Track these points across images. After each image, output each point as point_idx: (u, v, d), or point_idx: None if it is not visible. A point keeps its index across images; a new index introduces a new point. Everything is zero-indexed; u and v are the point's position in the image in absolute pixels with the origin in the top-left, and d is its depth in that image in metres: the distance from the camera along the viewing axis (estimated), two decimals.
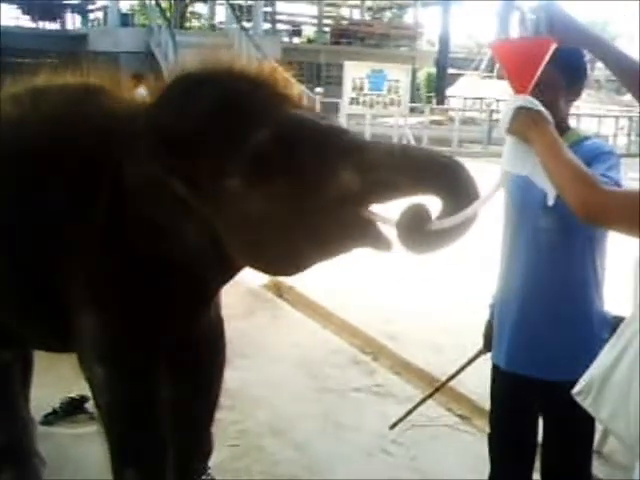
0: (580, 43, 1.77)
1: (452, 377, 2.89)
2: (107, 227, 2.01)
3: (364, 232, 1.83)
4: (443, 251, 1.74)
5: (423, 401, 3.11)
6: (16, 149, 2.17)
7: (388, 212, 1.79)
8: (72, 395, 3.36)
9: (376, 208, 1.81)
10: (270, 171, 1.78)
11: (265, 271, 2.07)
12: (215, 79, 1.92)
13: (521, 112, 1.55)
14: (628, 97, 30.43)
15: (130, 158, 1.95)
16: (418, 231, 1.67)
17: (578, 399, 1.81)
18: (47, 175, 2.10)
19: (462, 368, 2.77)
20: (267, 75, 1.94)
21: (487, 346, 2.49)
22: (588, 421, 2.19)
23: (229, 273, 2.15)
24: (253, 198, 1.81)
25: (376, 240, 1.84)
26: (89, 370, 2.18)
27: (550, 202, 1.76)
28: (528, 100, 1.56)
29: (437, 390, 3.13)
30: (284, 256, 1.91)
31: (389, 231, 1.81)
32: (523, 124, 1.56)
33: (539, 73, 1.58)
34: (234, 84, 1.90)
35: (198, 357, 2.46)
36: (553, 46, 1.58)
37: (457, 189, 1.69)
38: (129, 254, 2.01)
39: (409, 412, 3.11)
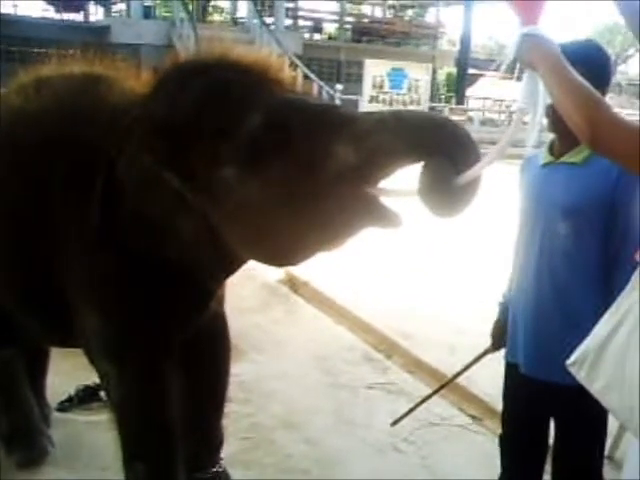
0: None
1: (458, 375, 2.86)
2: (102, 225, 1.96)
3: (369, 209, 1.76)
4: (467, 215, 1.68)
5: (428, 398, 3.07)
6: (14, 141, 2.15)
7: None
8: (87, 383, 3.40)
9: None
10: (265, 156, 1.75)
11: (270, 262, 1.99)
12: (206, 69, 1.89)
13: (526, 38, 1.54)
14: None
15: (123, 152, 1.90)
16: (445, 188, 1.61)
17: (572, 370, 1.76)
18: (42, 170, 2.07)
19: (468, 366, 2.74)
20: (259, 62, 1.91)
21: (495, 345, 2.48)
22: (600, 425, 2.20)
23: (230, 268, 2.11)
24: (251, 186, 1.77)
25: (383, 216, 1.77)
26: (99, 367, 2.20)
27: (529, 144, 1.71)
28: (532, 29, 1.54)
29: (442, 387, 3.09)
30: (288, 244, 1.85)
31: (397, 206, 1.76)
32: (527, 49, 1.54)
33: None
34: (225, 73, 1.86)
35: (202, 352, 2.45)
36: None
37: (460, 144, 1.64)
38: (126, 252, 1.97)
39: (412, 409, 3.09)
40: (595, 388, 1.70)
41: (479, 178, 1.63)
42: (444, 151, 1.63)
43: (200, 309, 2.26)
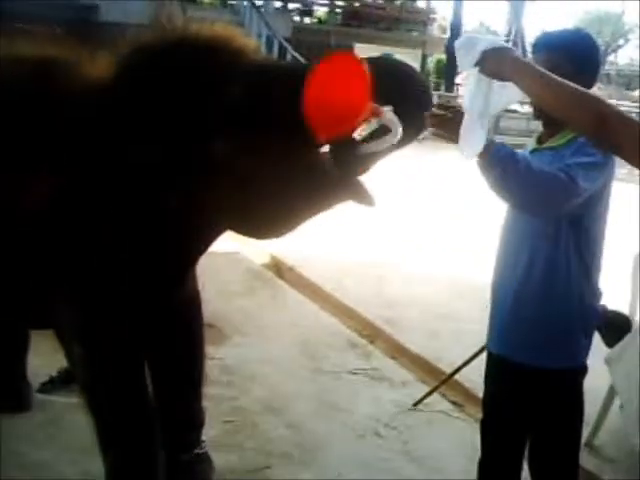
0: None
1: (459, 369, 2.92)
2: (78, 209, 1.97)
3: (350, 184, 1.82)
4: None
5: (436, 388, 3.21)
6: None
7: None
8: None
9: None
10: (249, 125, 1.75)
11: (253, 235, 2.05)
12: (170, 49, 1.90)
13: (489, 53, 1.50)
14: (637, 92, 30.28)
15: (98, 138, 1.90)
16: (350, 153, 1.69)
17: (607, 365, 2.07)
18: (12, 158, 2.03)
19: (471, 359, 2.78)
20: (221, 34, 1.91)
21: None
22: (577, 411, 2.23)
23: (205, 244, 2.12)
24: (238, 158, 1.78)
25: (360, 193, 1.83)
26: (68, 349, 2.19)
27: (467, 156, 1.75)
28: (490, 41, 1.52)
29: (446, 380, 3.24)
30: (273, 217, 1.89)
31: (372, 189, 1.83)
32: (497, 63, 1.50)
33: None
34: (191, 50, 1.87)
35: (176, 330, 2.45)
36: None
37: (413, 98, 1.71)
38: (102, 234, 1.97)
39: (428, 394, 3.37)
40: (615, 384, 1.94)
41: (386, 150, 1.70)
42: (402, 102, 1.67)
43: (172, 289, 2.24)
